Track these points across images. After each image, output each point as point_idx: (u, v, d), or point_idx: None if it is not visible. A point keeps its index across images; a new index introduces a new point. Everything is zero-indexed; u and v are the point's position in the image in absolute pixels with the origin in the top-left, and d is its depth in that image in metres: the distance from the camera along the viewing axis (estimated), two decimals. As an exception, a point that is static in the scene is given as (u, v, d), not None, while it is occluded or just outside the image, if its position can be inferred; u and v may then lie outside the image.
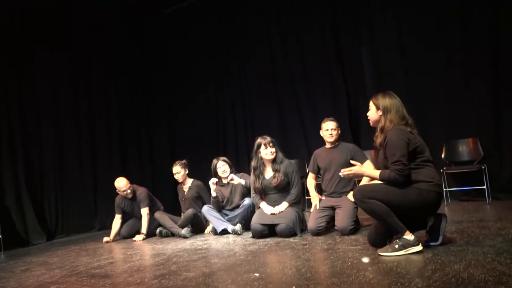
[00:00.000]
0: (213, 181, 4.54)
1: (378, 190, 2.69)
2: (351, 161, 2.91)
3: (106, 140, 7.10)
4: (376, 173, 2.75)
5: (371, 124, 2.95)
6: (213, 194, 4.57)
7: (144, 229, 4.95)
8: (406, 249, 2.60)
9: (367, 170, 2.87)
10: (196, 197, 5.06)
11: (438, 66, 5.37)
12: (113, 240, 5.09)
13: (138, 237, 4.91)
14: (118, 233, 5.18)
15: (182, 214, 5.18)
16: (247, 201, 4.46)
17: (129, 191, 5.06)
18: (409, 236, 2.61)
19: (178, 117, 8.00)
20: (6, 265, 4.17)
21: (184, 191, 5.14)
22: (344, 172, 2.84)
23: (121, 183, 5.05)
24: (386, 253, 2.64)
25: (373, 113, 2.88)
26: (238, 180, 4.50)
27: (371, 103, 2.91)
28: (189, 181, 5.14)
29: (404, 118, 2.78)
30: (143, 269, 3.16)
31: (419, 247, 2.61)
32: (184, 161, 5.14)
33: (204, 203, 4.98)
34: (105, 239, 5.08)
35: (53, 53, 6.44)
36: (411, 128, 2.75)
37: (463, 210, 4.41)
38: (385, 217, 2.62)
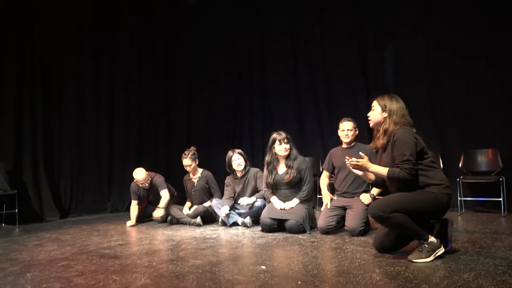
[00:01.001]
0: (223, 214, 4.47)
1: (395, 201, 2.62)
2: (360, 153, 2.79)
3: (124, 125, 7.18)
4: (384, 170, 2.66)
5: (371, 125, 2.90)
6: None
7: (162, 203, 4.87)
8: (435, 253, 2.59)
9: (374, 166, 2.72)
10: (206, 187, 5.07)
11: (461, 75, 5.26)
12: (136, 224, 5.03)
13: (158, 213, 4.87)
14: (138, 217, 5.10)
15: (183, 204, 5.20)
16: (259, 202, 4.45)
17: (147, 184, 5.01)
18: (432, 239, 2.60)
19: (196, 106, 8.04)
20: (20, 238, 4.28)
21: (193, 182, 5.10)
22: (351, 161, 2.72)
23: (140, 176, 4.95)
24: (420, 260, 2.56)
25: (377, 114, 2.83)
26: (250, 201, 4.49)
27: (375, 104, 2.86)
28: (199, 171, 5.13)
29: (409, 122, 2.77)
30: (152, 253, 3.21)
31: (443, 249, 2.61)
32: (192, 150, 5.04)
33: (211, 195, 5.02)
34: (129, 223, 5.00)
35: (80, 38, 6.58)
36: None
37: (477, 220, 4.34)
38: (409, 226, 2.58)
